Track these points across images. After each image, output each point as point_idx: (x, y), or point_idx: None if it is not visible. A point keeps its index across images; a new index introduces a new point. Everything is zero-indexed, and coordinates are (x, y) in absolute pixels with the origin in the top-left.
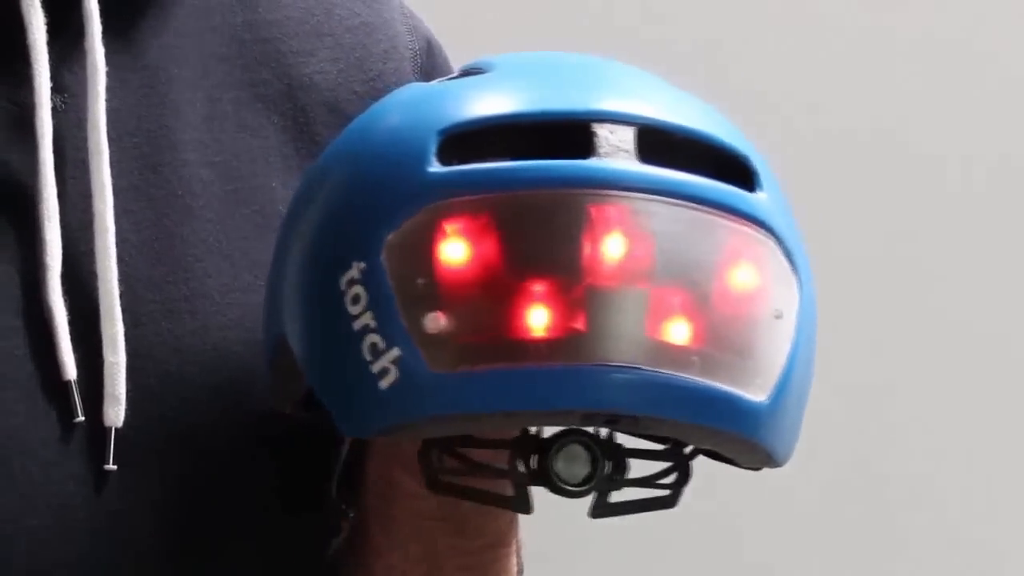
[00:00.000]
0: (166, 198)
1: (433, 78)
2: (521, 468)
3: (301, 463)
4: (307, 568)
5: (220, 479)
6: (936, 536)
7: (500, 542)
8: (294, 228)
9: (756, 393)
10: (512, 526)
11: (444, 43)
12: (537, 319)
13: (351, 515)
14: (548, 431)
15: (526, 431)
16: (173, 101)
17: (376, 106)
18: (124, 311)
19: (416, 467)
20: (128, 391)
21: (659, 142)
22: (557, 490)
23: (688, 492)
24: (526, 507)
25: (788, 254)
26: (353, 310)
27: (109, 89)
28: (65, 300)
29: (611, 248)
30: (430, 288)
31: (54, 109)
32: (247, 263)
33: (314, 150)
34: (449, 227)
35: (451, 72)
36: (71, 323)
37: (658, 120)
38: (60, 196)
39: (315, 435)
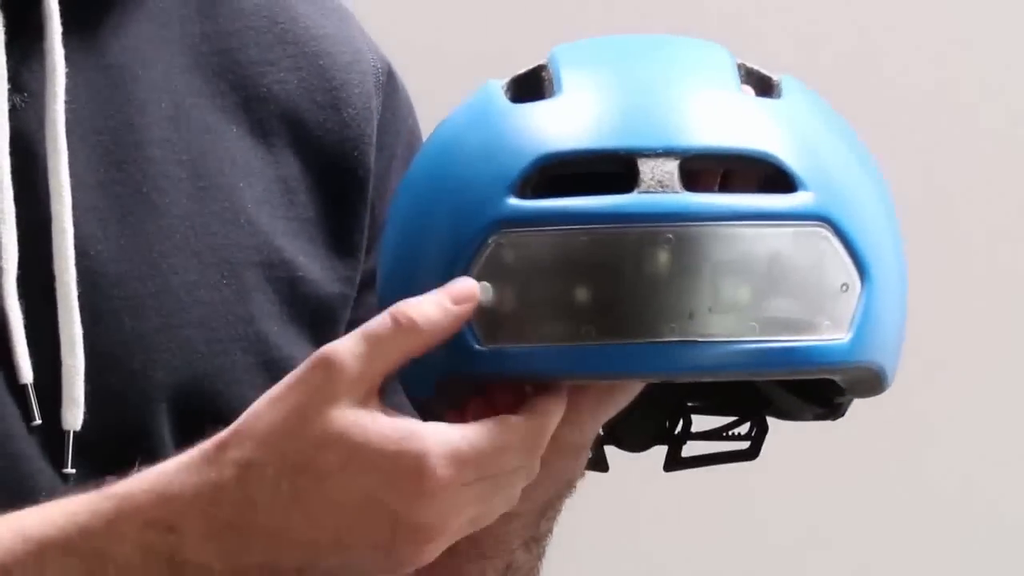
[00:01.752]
0: (131, 195)
1: (393, 102)
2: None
3: None
4: None
5: None
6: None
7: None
8: None
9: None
10: None
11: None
12: None
13: None
14: None
15: None
16: (139, 99)
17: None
18: (86, 308)
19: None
20: (88, 391)
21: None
22: (625, 447)
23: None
24: (604, 466)
25: (843, 234)
26: None
27: (72, 88)
28: (23, 302)
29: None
30: None
31: (13, 108)
32: (215, 260)
33: (270, 160)
34: None
35: (408, 101)
36: (30, 325)
37: (700, 146)
38: (20, 196)
39: None
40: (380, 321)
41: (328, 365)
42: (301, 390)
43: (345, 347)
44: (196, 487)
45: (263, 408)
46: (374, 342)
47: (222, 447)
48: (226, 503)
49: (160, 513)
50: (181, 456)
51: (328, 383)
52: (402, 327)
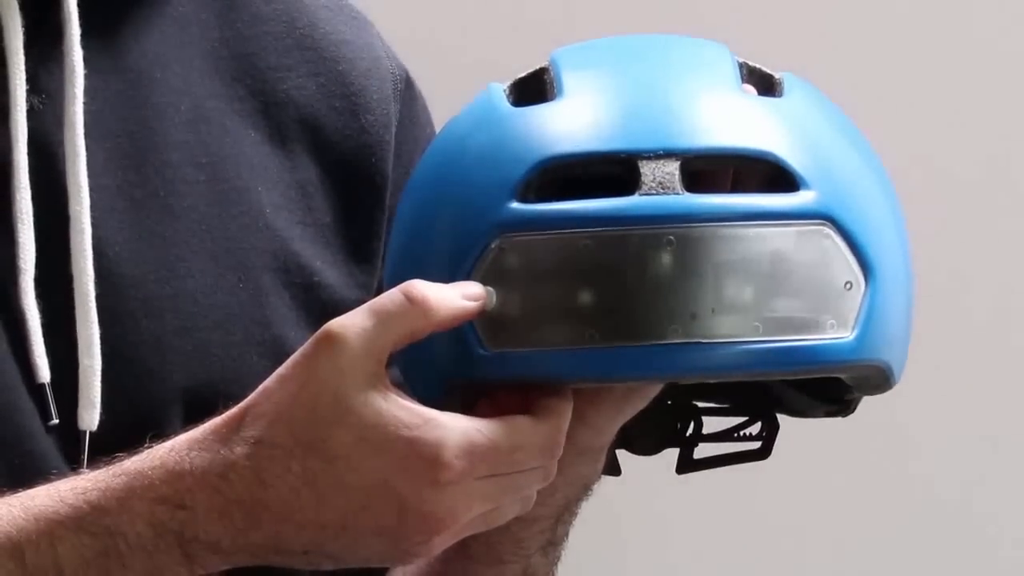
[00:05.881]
0: (148, 198)
1: (411, 109)
2: None
3: None
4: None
5: None
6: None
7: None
8: None
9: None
10: None
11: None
12: None
13: None
14: None
15: None
16: (157, 103)
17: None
18: (104, 309)
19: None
20: (104, 392)
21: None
22: (636, 451)
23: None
24: (616, 470)
25: (846, 233)
26: None
27: (90, 90)
28: (41, 302)
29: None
30: None
31: (31, 109)
32: (231, 264)
33: (288, 165)
34: None
35: (426, 109)
36: (48, 324)
37: (700, 147)
38: (38, 196)
39: None
40: (390, 296)
41: (334, 340)
42: (309, 367)
43: (352, 322)
44: (207, 464)
45: (273, 386)
46: (382, 317)
47: (233, 424)
48: (236, 480)
49: (171, 490)
50: (192, 432)
51: (335, 359)
52: (413, 303)
